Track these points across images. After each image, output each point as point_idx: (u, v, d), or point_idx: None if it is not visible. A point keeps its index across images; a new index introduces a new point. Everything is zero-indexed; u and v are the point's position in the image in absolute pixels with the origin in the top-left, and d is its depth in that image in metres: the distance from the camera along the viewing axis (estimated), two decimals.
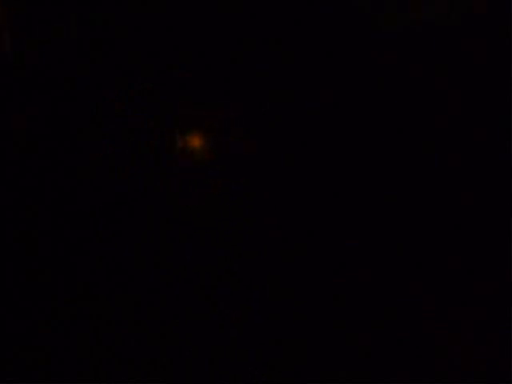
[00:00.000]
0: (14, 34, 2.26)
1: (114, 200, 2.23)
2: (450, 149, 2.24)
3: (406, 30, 2.30)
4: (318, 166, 2.29)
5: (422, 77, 2.28)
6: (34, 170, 2.23)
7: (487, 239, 2.16)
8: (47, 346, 2.09)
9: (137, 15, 2.30)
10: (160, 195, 2.25)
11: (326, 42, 2.33)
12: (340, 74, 2.32)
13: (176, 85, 2.32)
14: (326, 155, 2.29)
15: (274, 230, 2.25)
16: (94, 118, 2.28)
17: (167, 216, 2.23)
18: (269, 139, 2.32)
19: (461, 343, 2.08)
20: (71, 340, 2.10)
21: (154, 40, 2.31)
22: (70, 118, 2.27)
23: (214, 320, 2.15)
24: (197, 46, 2.31)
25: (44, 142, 2.25)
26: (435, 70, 2.28)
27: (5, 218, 2.19)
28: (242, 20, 2.32)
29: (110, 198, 2.23)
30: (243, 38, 2.32)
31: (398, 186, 2.24)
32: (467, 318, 2.10)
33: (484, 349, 2.07)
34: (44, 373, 2.06)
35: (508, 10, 2.25)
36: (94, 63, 2.29)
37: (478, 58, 2.26)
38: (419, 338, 2.10)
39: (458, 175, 2.23)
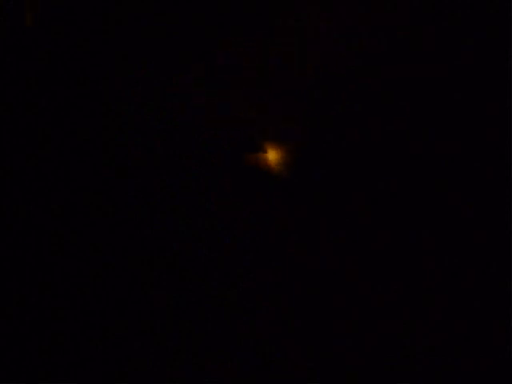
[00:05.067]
0: (36, 9, 2.25)
1: (113, 201, 2.24)
2: (449, 149, 2.24)
3: (408, 32, 2.30)
4: (318, 166, 2.29)
5: (421, 77, 2.28)
6: (38, 168, 2.24)
7: (487, 239, 2.16)
8: (47, 346, 2.09)
9: (147, 14, 2.31)
10: (156, 194, 2.26)
11: (326, 41, 2.33)
12: (340, 74, 2.32)
13: (177, 86, 2.32)
14: (325, 155, 2.29)
15: (273, 230, 2.25)
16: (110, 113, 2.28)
17: (164, 214, 2.24)
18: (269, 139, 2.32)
19: (461, 343, 2.09)
20: (71, 340, 2.10)
21: (161, 39, 2.31)
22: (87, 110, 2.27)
23: (214, 320, 2.15)
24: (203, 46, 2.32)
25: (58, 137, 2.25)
26: (435, 70, 2.28)
27: (5, 218, 2.19)
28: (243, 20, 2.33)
29: (110, 198, 2.24)
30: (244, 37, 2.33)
31: (398, 186, 2.24)
32: (467, 319, 2.10)
33: (484, 349, 2.08)
34: (44, 373, 2.06)
35: (508, 10, 2.25)
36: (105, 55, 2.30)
37: (478, 58, 2.26)
38: (419, 337, 2.10)
39: (457, 175, 2.23)
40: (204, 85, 2.31)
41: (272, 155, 2.31)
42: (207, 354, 2.11)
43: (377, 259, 2.19)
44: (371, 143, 2.27)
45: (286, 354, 2.11)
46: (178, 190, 2.25)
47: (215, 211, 2.24)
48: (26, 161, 2.23)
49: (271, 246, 2.22)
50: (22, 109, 2.26)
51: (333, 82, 2.31)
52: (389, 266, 2.18)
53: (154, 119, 2.29)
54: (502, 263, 2.13)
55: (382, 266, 2.18)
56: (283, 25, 2.33)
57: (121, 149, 2.26)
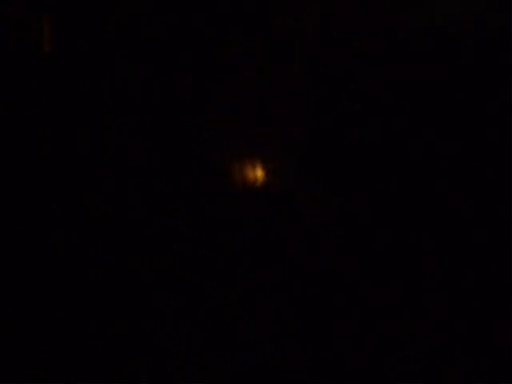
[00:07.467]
0: (54, 34, 2.27)
1: (113, 201, 2.24)
2: (449, 149, 2.24)
3: (408, 32, 2.30)
4: (318, 166, 2.29)
5: (421, 77, 2.28)
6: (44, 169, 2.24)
7: (487, 239, 2.16)
8: (46, 346, 2.09)
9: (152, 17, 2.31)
10: (156, 194, 2.26)
11: (326, 41, 2.33)
12: (340, 74, 2.32)
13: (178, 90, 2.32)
14: (325, 155, 2.29)
15: (273, 230, 2.25)
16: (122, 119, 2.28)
17: (164, 214, 2.24)
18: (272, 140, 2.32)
19: (461, 343, 2.09)
20: (70, 340, 2.10)
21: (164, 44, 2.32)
22: (98, 117, 2.28)
23: (214, 320, 2.15)
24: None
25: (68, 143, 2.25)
26: (435, 70, 2.28)
27: (5, 218, 2.19)
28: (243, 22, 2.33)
29: (110, 198, 2.24)
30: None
31: (398, 186, 2.24)
32: (467, 319, 2.10)
33: (484, 349, 2.07)
34: (44, 373, 2.06)
35: (508, 10, 2.25)
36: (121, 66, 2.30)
37: (478, 58, 2.26)
38: (419, 337, 2.10)
39: (457, 175, 2.23)
40: (204, 85, 2.31)
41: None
42: (207, 354, 2.11)
43: (377, 259, 2.18)
44: (371, 143, 2.27)
45: (286, 353, 2.11)
46: (178, 189, 2.25)
47: (215, 211, 2.24)
48: (26, 161, 2.23)
49: (271, 246, 2.22)
50: (22, 109, 2.26)
51: (333, 82, 2.31)
52: (389, 265, 2.18)
53: (154, 119, 2.29)
54: (502, 263, 2.13)
55: (381, 266, 2.18)
56: (283, 25, 2.33)
57: (121, 149, 2.26)
